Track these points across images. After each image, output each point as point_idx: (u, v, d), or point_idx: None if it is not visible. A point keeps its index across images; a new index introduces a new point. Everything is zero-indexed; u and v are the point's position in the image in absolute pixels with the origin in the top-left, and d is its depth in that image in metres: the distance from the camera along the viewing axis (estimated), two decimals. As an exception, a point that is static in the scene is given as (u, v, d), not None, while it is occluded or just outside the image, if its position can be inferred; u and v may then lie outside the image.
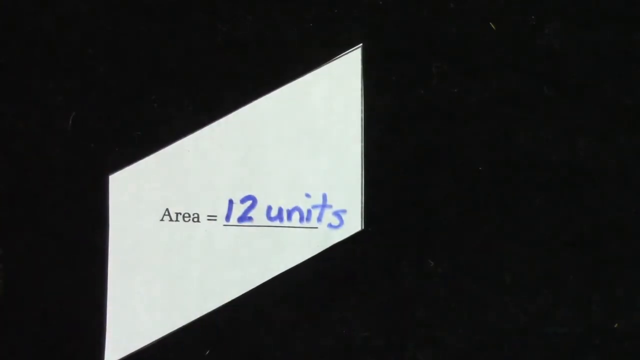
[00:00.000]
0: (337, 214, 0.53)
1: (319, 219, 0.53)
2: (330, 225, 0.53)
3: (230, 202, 0.53)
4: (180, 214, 0.53)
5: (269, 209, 0.53)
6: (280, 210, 0.53)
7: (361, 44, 0.54)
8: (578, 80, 0.54)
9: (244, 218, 0.53)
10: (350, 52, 0.54)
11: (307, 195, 0.53)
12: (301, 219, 0.53)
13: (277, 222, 0.53)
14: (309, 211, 0.53)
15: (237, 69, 0.54)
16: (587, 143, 0.54)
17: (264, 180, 0.53)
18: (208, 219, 0.53)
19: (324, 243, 0.53)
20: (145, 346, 0.53)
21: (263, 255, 0.53)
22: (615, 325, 0.53)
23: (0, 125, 0.53)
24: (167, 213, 0.53)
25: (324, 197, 0.53)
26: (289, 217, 0.53)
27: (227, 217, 0.53)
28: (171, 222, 0.53)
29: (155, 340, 0.53)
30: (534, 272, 0.53)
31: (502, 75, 0.54)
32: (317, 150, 0.54)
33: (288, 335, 0.53)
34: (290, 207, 0.53)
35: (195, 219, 0.53)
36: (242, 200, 0.53)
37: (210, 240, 0.53)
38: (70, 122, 0.53)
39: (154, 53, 0.54)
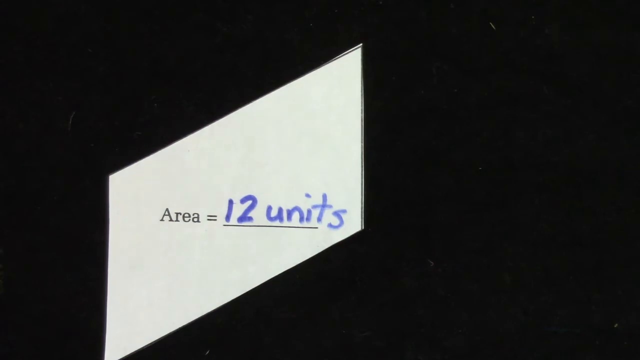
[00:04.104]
0: (337, 214, 0.53)
1: (319, 219, 0.53)
2: (330, 225, 0.53)
3: (230, 202, 0.53)
4: (180, 214, 0.53)
5: (269, 209, 0.53)
6: (280, 210, 0.53)
7: (361, 44, 0.54)
8: (578, 80, 0.54)
9: (244, 218, 0.53)
10: (350, 52, 0.54)
11: (307, 195, 0.53)
12: (301, 219, 0.53)
13: (277, 222, 0.53)
14: (309, 211, 0.53)
15: (237, 69, 0.54)
16: (587, 143, 0.54)
17: (264, 180, 0.53)
18: (208, 219, 0.53)
19: (324, 243, 0.53)
20: (145, 346, 0.53)
21: (263, 255, 0.53)
22: (615, 325, 0.53)
23: (0, 125, 0.53)
24: (167, 213, 0.53)
25: (324, 197, 0.53)
26: (289, 217, 0.53)
27: (227, 217, 0.53)
28: (171, 222, 0.53)
29: (155, 340, 0.53)
30: (534, 272, 0.53)
31: (502, 75, 0.54)
32: (317, 150, 0.54)
33: (288, 335, 0.53)
34: (290, 207, 0.53)
35: (195, 219, 0.53)
36: (242, 200, 0.53)
37: (210, 240, 0.53)
38: (70, 122, 0.53)
39: (154, 53, 0.54)
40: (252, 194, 0.53)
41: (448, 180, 0.54)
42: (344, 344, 0.53)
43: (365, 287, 0.53)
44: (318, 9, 0.54)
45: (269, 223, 0.53)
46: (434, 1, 0.54)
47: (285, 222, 0.53)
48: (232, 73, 0.54)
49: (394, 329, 0.53)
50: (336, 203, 0.54)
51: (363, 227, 0.54)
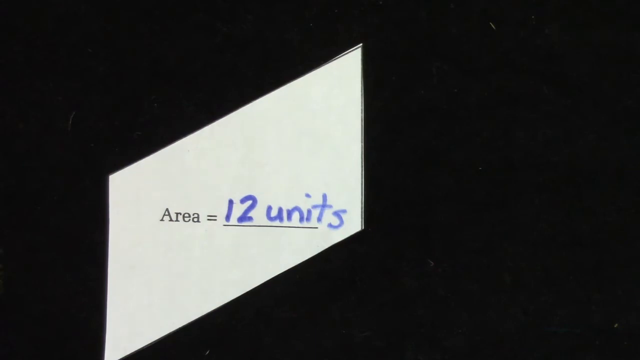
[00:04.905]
0: (337, 214, 0.53)
1: (319, 219, 0.53)
2: (330, 225, 0.53)
3: (230, 202, 0.53)
4: (180, 214, 0.53)
5: (269, 209, 0.53)
6: (280, 210, 0.53)
7: (361, 44, 0.54)
8: (578, 80, 0.54)
9: (244, 218, 0.53)
10: (350, 52, 0.54)
11: (307, 195, 0.53)
12: (301, 219, 0.53)
13: (277, 222, 0.53)
14: (309, 211, 0.53)
15: (237, 69, 0.54)
16: (587, 143, 0.54)
17: (264, 180, 0.53)
18: (208, 219, 0.53)
19: (324, 243, 0.53)
20: (145, 346, 0.53)
21: (263, 255, 0.53)
22: (615, 325, 0.53)
23: (0, 125, 0.53)
24: (167, 213, 0.53)
25: (324, 197, 0.53)
26: (289, 217, 0.53)
27: (227, 217, 0.53)
28: (171, 222, 0.53)
29: (155, 340, 0.53)
30: (534, 272, 0.53)
31: (502, 75, 0.54)
32: (317, 150, 0.54)
33: (288, 335, 0.53)
34: (290, 207, 0.53)
35: (195, 219, 0.53)
36: (242, 200, 0.53)
37: (210, 240, 0.53)
38: (70, 122, 0.53)
39: (154, 53, 0.54)
40: (252, 194, 0.53)
41: (448, 180, 0.54)
42: (344, 344, 0.53)
43: (365, 287, 0.53)
44: (318, 9, 0.54)
45: (269, 223, 0.53)
46: (434, 1, 0.54)
47: (285, 222, 0.53)
48: (232, 73, 0.54)
49: (394, 329, 0.53)
50: (336, 203, 0.54)
51: (363, 227, 0.54)
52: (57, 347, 0.53)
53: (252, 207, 0.53)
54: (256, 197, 0.53)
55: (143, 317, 0.53)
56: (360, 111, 0.54)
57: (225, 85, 0.54)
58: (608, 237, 0.54)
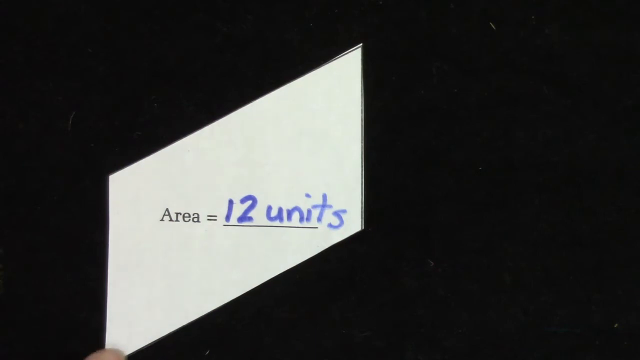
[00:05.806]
0: (337, 214, 0.53)
1: (319, 219, 0.53)
2: (330, 225, 0.53)
3: (230, 202, 0.53)
4: (180, 214, 0.53)
5: (269, 209, 0.53)
6: (280, 210, 0.53)
7: (361, 44, 0.54)
8: (578, 80, 0.54)
9: (244, 218, 0.53)
10: (350, 52, 0.54)
11: (307, 195, 0.53)
12: (301, 219, 0.53)
13: (277, 222, 0.53)
14: (309, 211, 0.53)
15: (237, 69, 0.54)
16: (587, 143, 0.54)
17: (264, 180, 0.53)
18: (208, 219, 0.53)
19: (324, 243, 0.53)
20: (145, 346, 0.53)
21: (263, 255, 0.53)
22: (615, 325, 0.53)
23: (0, 125, 0.53)
24: (167, 213, 0.53)
25: (324, 197, 0.53)
26: (289, 217, 0.53)
27: (227, 217, 0.53)
28: (171, 222, 0.53)
29: (155, 340, 0.53)
30: (534, 272, 0.53)
31: (502, 75, 0.54)
32: (317, 150, 0.54)
33: (288, 335, 0.53)
34: (290, 207, 0.53)
35: (195, 219, 0.53)
36: (242, 200, 0.53)
37: (210, 240, 0.53)
38: (70, 122, 0.53)
39: (154, 53, 0.54)
40: (252, 194, 0.53)
41: (448, 180, 0.54)
42: (344, 344, 0.53)
43: (365, 287, 0.53)
44: (318, 9, 0.54)
45: (269, 223, 0.53)
46: (434, 1, 0.54)
47: (285, 222, 0.53)
48: (232, 73, 0.54)
49: (394, 329, 0.53)
50: (336, 203, 0.54)
51: (363, 227, 0.54)
52: (57, 347, 0.53)
53: (252, 207, 0.53)
54: (256, 197, 0.53)
55: (143, 317, 0.53)
56: (360, 111, 0.54)
57: (225, 85, 0.54)
58: (608, 237, 0.54)
